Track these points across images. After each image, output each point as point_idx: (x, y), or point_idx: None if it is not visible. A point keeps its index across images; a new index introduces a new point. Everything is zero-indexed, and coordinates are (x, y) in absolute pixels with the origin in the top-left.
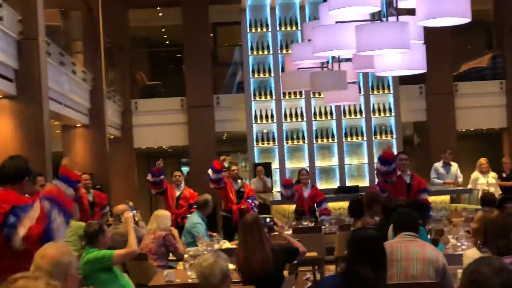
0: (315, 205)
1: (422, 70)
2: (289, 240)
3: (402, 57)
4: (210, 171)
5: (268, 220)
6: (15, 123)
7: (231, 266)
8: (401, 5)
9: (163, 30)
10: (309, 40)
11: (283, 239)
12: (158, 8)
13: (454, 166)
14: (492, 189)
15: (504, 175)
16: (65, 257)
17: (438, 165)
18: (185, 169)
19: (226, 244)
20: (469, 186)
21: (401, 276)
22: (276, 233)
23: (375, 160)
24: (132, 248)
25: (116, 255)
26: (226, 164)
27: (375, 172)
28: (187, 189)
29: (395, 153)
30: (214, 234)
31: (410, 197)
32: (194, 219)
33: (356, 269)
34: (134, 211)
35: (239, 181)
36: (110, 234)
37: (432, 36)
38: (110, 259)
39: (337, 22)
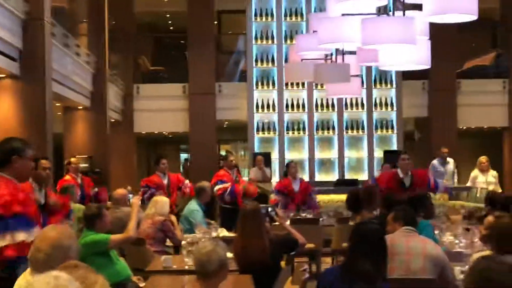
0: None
1: (426, 66)
2: (290, 231)
3: (407, 52)
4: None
5: (270, 209)
6: (17, 103)
7: (229, 255)
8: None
9: (167, 16)
10: (314, 31)
11: (284, 230)
12: None
13: (451, 163)
14: (491, 188)
15: None
16: (66, 240)
17: (436, 163)
18: (183, 155)
19: (224, 232)
20: (468, 184)
21: (402, 270)
22: (277, 223)
23: (375, 154)
24: (129, 234)
25: (112, 240)
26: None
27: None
28: (171, 174)
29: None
30: (212, 222)
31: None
32: (192, 206)
33: (356, 263)
34: (130, 195)
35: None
36: (109, 218)
37: (437, 32)
38: (106, 244)
39: (343, 15)
